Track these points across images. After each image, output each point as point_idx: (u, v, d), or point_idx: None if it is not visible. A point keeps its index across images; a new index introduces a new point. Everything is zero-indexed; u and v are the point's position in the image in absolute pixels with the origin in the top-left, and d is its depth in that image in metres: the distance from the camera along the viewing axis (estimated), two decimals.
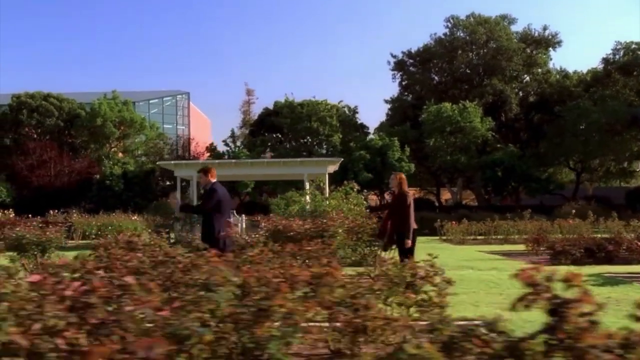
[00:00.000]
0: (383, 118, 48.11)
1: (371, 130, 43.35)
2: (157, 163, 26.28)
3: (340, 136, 38.80)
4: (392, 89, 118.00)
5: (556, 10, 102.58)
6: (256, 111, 69.57)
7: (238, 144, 51.39)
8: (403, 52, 44.32)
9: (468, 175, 41.41)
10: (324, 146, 39.56)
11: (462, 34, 43.19)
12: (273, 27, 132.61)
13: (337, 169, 24.67)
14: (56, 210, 33.56)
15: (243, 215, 22.05)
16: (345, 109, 41.68)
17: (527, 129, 42.72)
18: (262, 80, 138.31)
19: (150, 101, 68.38)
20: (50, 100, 51.97)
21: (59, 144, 48.45)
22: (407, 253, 7.61)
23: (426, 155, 39.31)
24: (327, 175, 20.85)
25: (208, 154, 40.72)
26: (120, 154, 50.96)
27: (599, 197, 36.68)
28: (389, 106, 46.22)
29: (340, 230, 8.28)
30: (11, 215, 34.56)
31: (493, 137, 37.92)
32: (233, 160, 29.48)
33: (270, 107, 50.09)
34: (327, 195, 19.34)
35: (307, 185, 19.58)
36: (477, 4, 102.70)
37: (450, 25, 43.54)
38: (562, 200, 38.04)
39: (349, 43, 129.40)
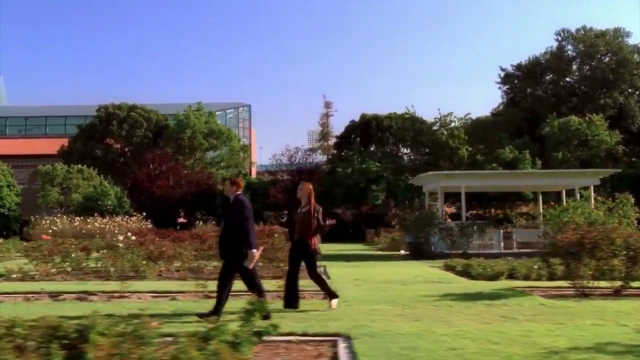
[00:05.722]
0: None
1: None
2: (430, 173, 24.32)
3: (469, 149, 38.41)
4: (471, 99, 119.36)
5: None
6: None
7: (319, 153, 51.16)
8: (512, 66, 44.21)
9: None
10: (449, 159, 39.03)
11: (572, 47, 43.17)
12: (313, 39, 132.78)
13: None
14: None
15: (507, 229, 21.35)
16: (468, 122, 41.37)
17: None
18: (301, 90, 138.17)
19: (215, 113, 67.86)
20: (137, 112, 51.18)
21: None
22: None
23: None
24: (592, 187, 20.48)
25: (330, 165, 40.27)
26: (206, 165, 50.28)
27: None
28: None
29: None
30: (149, 226, 33.96)
31: (623, 150, 37.75)
32: (506, 171, 29.34)
33: (352, 118, 50.12)
34: (592, 205, 18.97)
35: (578, 197, 19.19)
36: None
37: (560, 38, 43.51)
38: None
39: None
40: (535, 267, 13.95)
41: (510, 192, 35.31)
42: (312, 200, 7.80)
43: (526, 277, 12.52)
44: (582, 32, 43.02)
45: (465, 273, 13.72)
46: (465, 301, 8.30)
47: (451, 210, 37.75)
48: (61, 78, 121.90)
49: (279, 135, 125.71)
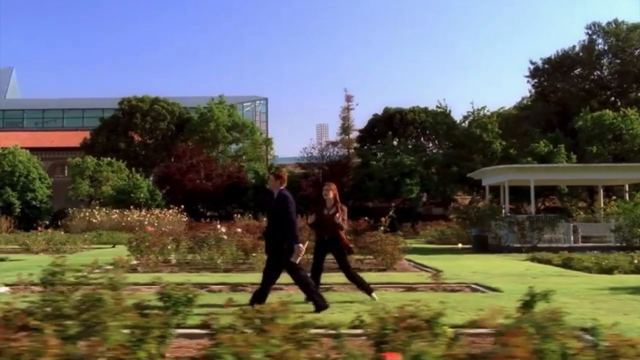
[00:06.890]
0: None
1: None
2: (500, 166, 23.39)
3: (503, 143, 38.20)
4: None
5: None
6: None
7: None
8: (542, 59, 43.94)
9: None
10: (482, 152, 38.80)
11: (603, 41, 42.92)
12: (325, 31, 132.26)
13: None
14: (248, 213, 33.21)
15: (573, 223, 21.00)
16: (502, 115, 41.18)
17: None
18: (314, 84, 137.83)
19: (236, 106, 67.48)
20: (160, 104, 50.81)
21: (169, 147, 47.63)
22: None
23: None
24: None
25: (360, 160, 40.04)
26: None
27: None
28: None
29: None
30: (185, 219, 33.81)
31: None
32: (579, 164, 29.32)
33: (376, 112, 49.95)
34: None
35: None
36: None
37: (591, 32, 43.24)
38: None
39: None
40: (636, 261, 13.77)
41: (545, 187, 35.15)
42: (338, 201, 8.00)
43: (635, 271, 12.33)
44: (614, 25, 42.75)
45: (566, 266, 13.51)
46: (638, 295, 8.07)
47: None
48: (78, 71, 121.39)
49: (287, 128, 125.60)
